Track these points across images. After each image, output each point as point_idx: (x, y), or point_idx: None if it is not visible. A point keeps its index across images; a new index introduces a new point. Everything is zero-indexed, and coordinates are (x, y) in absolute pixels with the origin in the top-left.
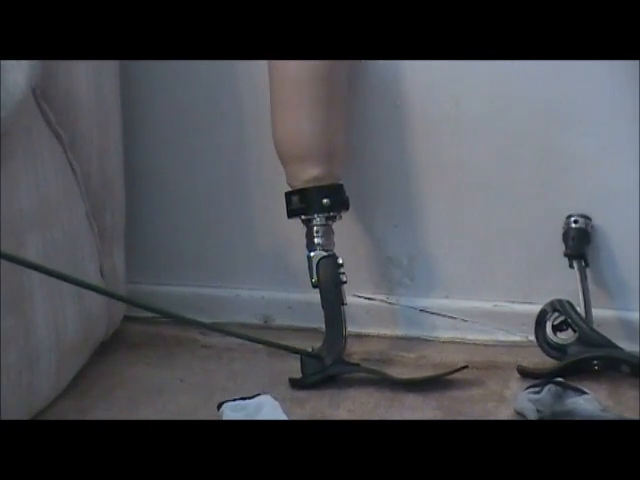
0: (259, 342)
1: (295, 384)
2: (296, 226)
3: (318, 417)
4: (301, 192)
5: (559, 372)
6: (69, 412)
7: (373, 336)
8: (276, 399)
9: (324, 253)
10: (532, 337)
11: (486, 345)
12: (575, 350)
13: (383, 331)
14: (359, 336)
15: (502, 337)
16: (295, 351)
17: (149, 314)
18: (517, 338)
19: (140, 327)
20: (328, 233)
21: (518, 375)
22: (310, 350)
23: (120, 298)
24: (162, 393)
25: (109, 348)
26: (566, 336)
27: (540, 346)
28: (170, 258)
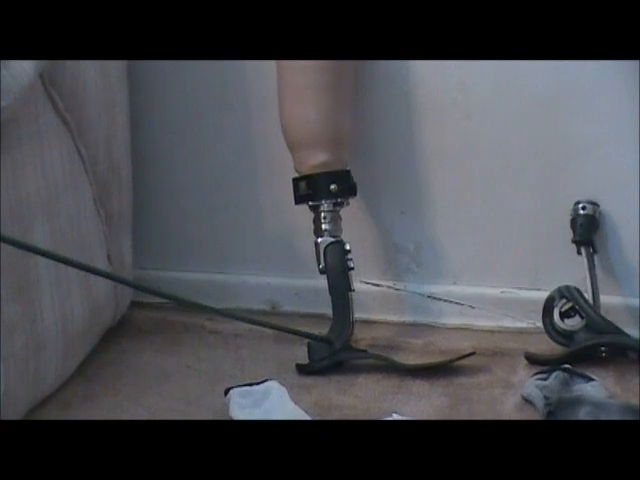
0: (268, 326)
1: (302, 370)
2: (303, 212)
3: (325, 404)
4: (308, 178)
5: (566, 359)
6: (75, 399)
7: (380, 322)
8: (283, 385)
9: (331, 239)
10: (539, 324)
11: (493, 332)
12: (582, 337)
13: (390, 317)
14: (366, 322)
15: (509, 324)
16: (305, 335)
17: (156, 300)
18: (524, 325)
19: (147, 313)
20: (336, 219)
21: (525, 362)
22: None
23: (129, 284)
24: (169, 379)
25: (116, 334)
26: (573, 323)
27: (547, 333)
28: (177, 244)
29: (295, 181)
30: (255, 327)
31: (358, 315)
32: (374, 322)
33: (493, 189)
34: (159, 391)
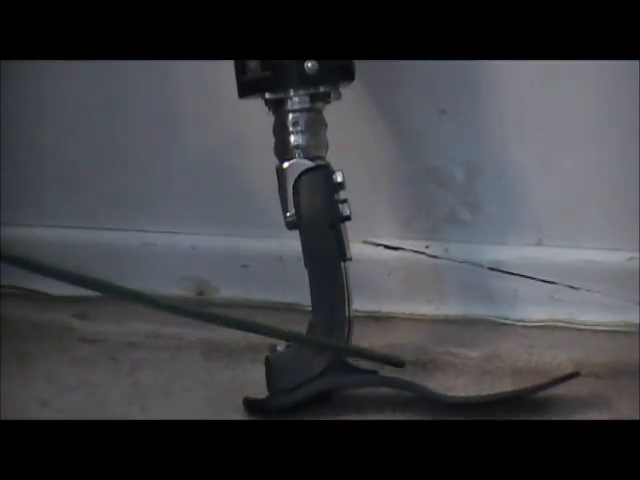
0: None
1: (256, 409)
2: (255, 114)
3: None
4: None
5: None
6: None
7: (402, 318)
8: None
9: (309, 163)
10: None
11: (614, 332)
12: None
13: (421, 308)
14: (377, 318)
15: None
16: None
17: None
18: None
19: None
20: (316, 126)
21: None
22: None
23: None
24: None
25: None
26: None
27: None
28: (46, 185)
29: None
30: (165, 330)
31: (360, 305)
32: (391, 317)
33: (605, 71)
34: None
